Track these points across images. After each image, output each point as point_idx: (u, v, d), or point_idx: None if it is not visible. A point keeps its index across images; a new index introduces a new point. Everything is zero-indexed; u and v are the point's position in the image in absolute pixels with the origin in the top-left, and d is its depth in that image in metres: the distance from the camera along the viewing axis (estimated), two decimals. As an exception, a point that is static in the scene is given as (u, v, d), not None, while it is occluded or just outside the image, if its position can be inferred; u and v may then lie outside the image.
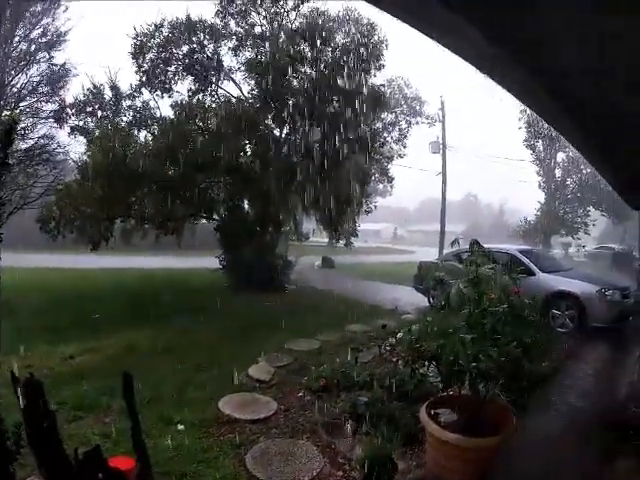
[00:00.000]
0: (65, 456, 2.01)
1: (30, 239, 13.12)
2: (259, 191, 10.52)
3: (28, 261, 13.26)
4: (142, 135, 12.01)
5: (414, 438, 3.37)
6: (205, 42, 12.40)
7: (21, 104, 13.41)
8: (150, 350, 5.86)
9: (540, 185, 24.89)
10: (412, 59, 30.08)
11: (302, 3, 12.21)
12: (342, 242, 14.00)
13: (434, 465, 3.01)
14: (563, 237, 26.14)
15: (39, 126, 13.34)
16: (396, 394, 4.01)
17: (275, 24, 12.61)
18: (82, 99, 12.25)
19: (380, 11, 1.89)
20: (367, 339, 6.57)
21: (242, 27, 12.74)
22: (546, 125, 16.26)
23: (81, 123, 12.37)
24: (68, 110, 12.55)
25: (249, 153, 11.51)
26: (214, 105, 11.66)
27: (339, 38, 11.91)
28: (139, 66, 12.10)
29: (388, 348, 5.85)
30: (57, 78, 13.90)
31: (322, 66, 10.94)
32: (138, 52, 11.97)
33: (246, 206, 12.04)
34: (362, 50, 11.06)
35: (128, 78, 12.48)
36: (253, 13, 12.76)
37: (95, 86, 12.23)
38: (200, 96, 12.46)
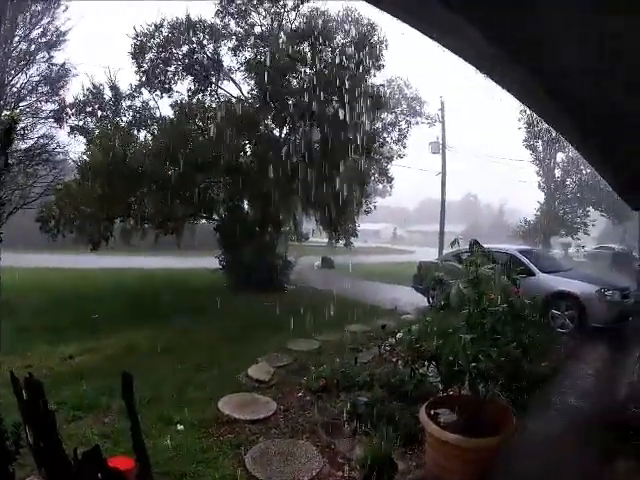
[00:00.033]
0: (64, 456, 2.01)
1: (30, 239, 13.11)
2: (259, 191, 10.52)
3: (28, 261, 13.26)
4: (142, 135, 12.03)
5: (414, 438, 3.37)
6: (205, 42, 12.39)
7: (21, 104, 13.41)
8: (150, 350, 5.85)
9: (540, 185, 24.93)
10: (412, 59, 30.09)
11: (302, 3, 12.21)
12: (342, 242, 13.99)
13: (434, 465, 3.01)
14: (563, 237, 26.14)
15: (39, 126, 13.35)
16: (396, 394, 4.01)
17: (275, 24, 12.61)
18: (82, 99, 12.25)
19: (380, 11, 1.89)
20: (367, 339, 6.57)
21: (242, 27, 12.73)
22: (546, 125, 16.27)
23: (81, 123, 12.37)
24: (68, 110, 12.55)
25: (249, 153, 11.51)
26: (214, 105, 11.66)
27: (339, 38, 11.92)
28: (139, 66, 12.09)
29: (388, 348, 5.84)
30: (57, 78, 13.89)
31: (322, 66, 10.93)
32: (138, 52, 11.96)
33: (246, 206, 12.04)
34: (362, 50, 11.06)
35: (128, 78, 12.51)
36: (253, 13, 12.76)
37: (95, 86, 12.23)
38: (200, 96, 12.46)
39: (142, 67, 12.11)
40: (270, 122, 11.62)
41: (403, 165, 21.89)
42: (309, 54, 11.04)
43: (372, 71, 11.87)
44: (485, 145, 70.55)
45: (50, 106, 13.69)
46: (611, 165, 5.12)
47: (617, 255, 21.00)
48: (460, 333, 2.99)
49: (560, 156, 24.62)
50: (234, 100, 12.15)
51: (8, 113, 9.57)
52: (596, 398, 4.68)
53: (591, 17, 1.83)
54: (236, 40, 12.63)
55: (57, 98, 13.72)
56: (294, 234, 13.94)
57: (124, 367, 2.42)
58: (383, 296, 10.82)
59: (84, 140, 12.10)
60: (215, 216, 12.03)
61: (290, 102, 10.85)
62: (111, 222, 10.38)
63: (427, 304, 9.22)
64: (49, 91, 13.86)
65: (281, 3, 12.35)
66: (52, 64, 13.88)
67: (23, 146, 12.21)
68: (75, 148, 13.96)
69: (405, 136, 20.97)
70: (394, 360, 5.29)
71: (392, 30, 13.67)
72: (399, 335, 5.61)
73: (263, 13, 12.74)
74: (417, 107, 22.42)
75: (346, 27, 12.63)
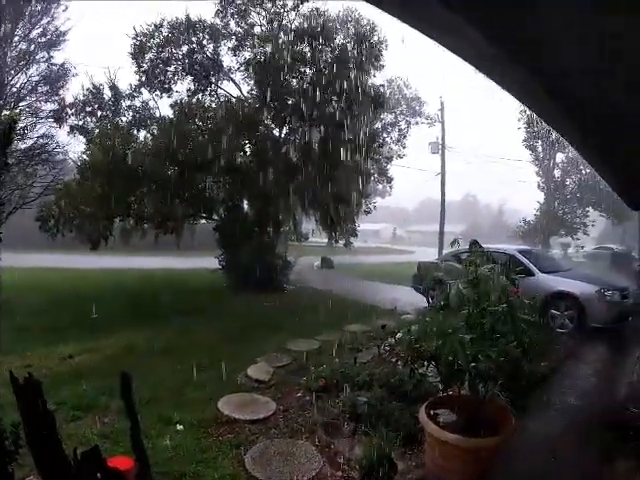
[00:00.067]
0: (64, 456, 2.01)
1: (30, 239, 13.11)
2: (258, 191, 10.52)
3: (27, 261, 13.28)
4: (142, 135, 12.04)
5: (413, 438, 3.37)
6: (205, 42, 12.40)
7: (20, 104, 13.40)
8: (149, 350, 5.86)
9: (539, 185, 24.91)
10: (412, 59, 30.10)
11: (302, 3, 12.21)
12: (341, 242, 14.00)
13: (433, 465, 3.01)
14: (562, 237, 26.14)
15: (38, 126, 13.34)
16: (395, 394, 4.01)
17: (275, 24, 12.61)
18: (82, 99, 12.27)
19: (380, 11, 1.89)
20: (366, 339, 6.55)
21: (242, 27, 12.73)
22: (546, 125, 16.27)
23: (80, 123, 12.38)
24: (67, 110, 12.56)
25: (248, 153, 11.51)
26: (214, 105, 11.67)
27: (339, 38, 11.92)
28: (139, 66, 12.11)
29: (387, 348, 5.84)
30: (56, 78, 13.89)
31: (322, 66, 10.94)
32: (137, 52, 11.98)
33: (245, 206, 12.04)
34: (362, 50, 11.07)
35: (128, 78, 12.52)
36: (253, 13, 12.76)
37: (95, 86, 12.25)
38: (199, 96, 12.48)
39: (142, 67, 12.12)
40: (270, 122, 11.63)
41: (403, 165, 22.03)
42: (309, 54, 11.05)
43: (372, 71, 11.88)
44: (484, 145, 70.57)
45: (50, 106, 13.71)
46: (611, 165, 5.12)
47: (616, 255, 21.00)
48: (460, 333, 2.98)
49: (560, 156, 24.63)
50: (234, 100, 12.16)
51: (8, 113, 9.57)
52: (596, 398, 4.68)
53: (591, 17, 1.83)
54: (236, 40, 12.64)
55: (57, 98, 13.73)
56: (294, 234, 13.94)
57: (123, 367, 2.43)
58: (383, 296, 10.81)
59: (84, 140, 12.13)
60: (215, 216, 12.03)
61: (290, 102, 10.85)
62: (110, 221, 10.38)
63: (427, 304, 9.22)
64: (49, 91, 13.86)
65: (281, 3, 12.35)
66: (52, 64, 13.89)
67: (23, 146, 12.23)
68: (75, 148, 13.99)
69: (405, 136, 21.07)
70: (394, 360, 5.30)
71: (392, 30, 13.71)
72: (399, 335, 5.62)
73: (263, 13, 12.74)
74: (417, 107, 22.45)
75: (346, 27, 12.63)
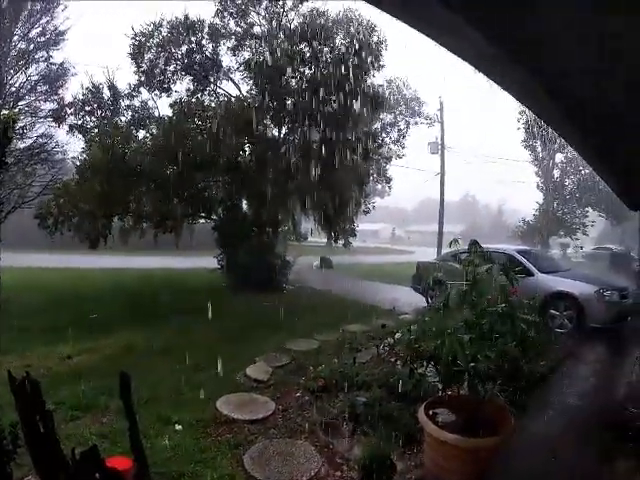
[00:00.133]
0: (62, 456, 2.01)
1: (29, 238, 13.12)
2: (257, 191, 10.51)
3: (27, 261, 13.25)
4: (141, 134, 12.02)
5: (412, 438, 3.37)
6: (204, 42, 12.41)
7: (20, 103, 13.42)
8: (148, 350, 5.85)
9: (538, 186, 24.91)
10: (411, 59, 30.12)
11: (301, 3, 12.20)
12: (340, 242, 14.00)
13: (433, 465, 3.01)
14: (561, 238, 26.16)
15: (37, 125, 13.37)
16: (394, 394, 4.00)
17: (274, 24, 12.60)
18: (81, 98, 12.26)
19: (380, 12, 1.89)
20: (366, 339, 6.55)
21: (241, 27, 12.73)
22: (545, 126, 16.29)
23: (80, 122, 12.36)
24: (67, 109, 12.55)
25: (247, 153, 11.50)
26: (213, 105, 11.66)
27: (339, 38, 11.91)
28: (138, 66, 12.10)
29: (387, 348, 5.84)
30: (56, 77, 13.90)
31: (321, 66, 10.93)
32: (137, 52, 11.98)
33: (244, 206, 12.04)
34: (361, 50, 11.05)
35: (127, 77, 12.53)
36: (252, 13, 12.76)
37: (94, 85, 12.24)
38: (199, 96, 12.47)
39: (141, 67, 12.13)
40: (269, 122, 11.62)
41: (402, 165, 21.95)
42: (308, 54, 11.04)
43: (371, 71, 11.87)
44: (484, 145, 70.75)
45: (49, 105, 13.74)
46: (610, 166, 5.12)
47: (615, 256, 21.01)
48: (459, 333, 2.98)
49: (559, 156, 24.65)
50: (233, 100, 12.15)
51: (7, 112, 9.55)
52: (595, 398, 4.68)
53: (591, 17, 1.83)
54: (235, 40, 12.64)
55: (56, 97, 13.79)
56: (293, 234, 13.93)
57: (122, 367, 2.42)
58: (382, 296, 10.81)
59: (83, 139, 12.11)
60: (213, 216, 12.03)
61: (289, 102, 10.84)
62: (109, 220, 10.38)
63: (426, 304, 9.22)
64: (48, 90, 13.89)
65: (280, 3, 12.35)
66: (51, 63, 13.94)
67: (22, 145, 12.22)
68: (74, 147, 13.93)
69: (404, 136, 21.04)
70: (393, 360, 5.30)
71: (392, 30, 13.72)
72: (398, 335, 5.62)
73: (262, 13, 12.74)
74: (416, 107, 22.39)
75: (346, 27, 12.62)
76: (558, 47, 2.13)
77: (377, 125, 17.51)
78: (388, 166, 19.99)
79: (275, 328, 7.00)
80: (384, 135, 19.87)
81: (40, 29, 13.73)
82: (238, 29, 12.74)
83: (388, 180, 20.50)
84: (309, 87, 10.50)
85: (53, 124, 13.04)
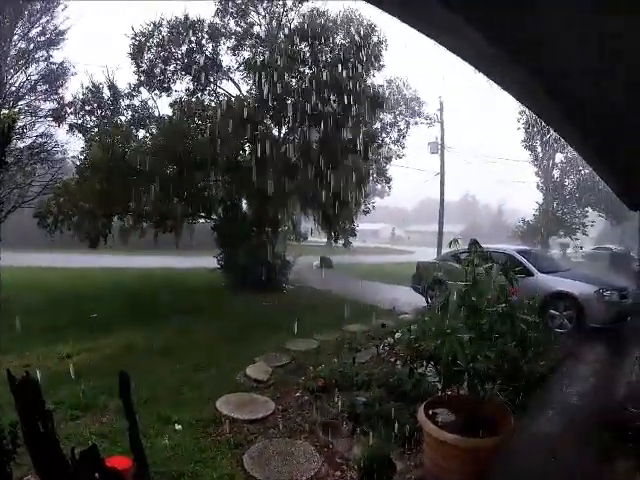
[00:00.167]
0: (62, 456, 2.01)
1: (29, 238, 13.11)
2: (257, 190, 10.50)
3: (27, 260, 13.25)
4: (141, 134, 12.02)
5: (412, 438, 3.37)
6: (204, 42, 12.39)
7: (20, 102, 13.41)
8: (148, 350, 5.84)
9: (538, 186, 24.91)
10: (411, 59, 30.12)
11: (301, 3, 12.20)
12: (340, 242, 13.99)
13: (432, 465, 3.01)
14: (561, 238, 26.15)
15: (37, 124, 13.36)
16: (394, 394, 4.01)
17: (274, 23, 12.60)
18: (81, 97, 12.26)
19: (380, 12, 1.89)
20: (365, 339, 6.55)
21: (241, 27, 12.73)
22: (545, 125, 16.27)
23: (79, 121, 12.36)
24: (67, 108, 12.55)
25: (247, 152, 11.49)
26: (213, 104, 11.65)
27: (339, 38, 11.91)
28: (138, 65, 12.09)
29: (386, 348, 5.84)
30: (55, 76, 13.90)
31: (321, 66, 10.93)
32: (137, 52, 11.97)
33: (244, 206, 12.03)
34: (361, 50, 11.05)
35: (127, 77, 12.53)
36: (252, 12, 12.75)
37: (94, 85, 12.24)
38: (199, 95, 12.47)
39: (141, 67, 12.12)
40: (269, 121, 11.62)
41: (402, 165, 21.98)
42: (308, 54, 11.04)
43: (371, 71, 11.87)
44: (484, 145, 70.77)
45: (49, 105, 13.74)
46: (610, 166, 5.12)
47: (615, 256, 21.00)
48: (459, 333, 2.98)
49: (559, 156, 24.65)
50: (233, 99, 12.15)
51: (7, 112, 9.55)
52: (594, 398, 4.68)
53: (591, 17, 1.83)
54: (235, 40, 12.63)
55: (56, 97, 13.78)
56: (293, 234, 13.92)
57: (122, 367, 2.42)
58: (382, 296, 10.80)
59: (83, 138, 12.10)
60: (213, 215, 12.02)
61: (289, 102, 10.83)
62: (109, 219, 10.37)
63: (425, 304, 9.22)
64: (48, 90, 13.90)
65: (280, 3, 12.34)
66: (51, 63, 13.94)
67: (22, 145, 12.19)
68: (74, 147, 13.93)
69: (404, 136, 21.07)
70: (392, 360, 5.30)
71: (392, 30, 13.71)
72: (397, 335, 5.62)
73: (262, 12, 12.74)
74: (416, 107, 22.41)
75: (346, 27, 12.62)
76: (558, 47, 2.13)
77: (377, 125, 17.51)
78: (388, 166, 20.04)
79: (275, 328, 6.99)
80: (384, 135, 19.90)
81: (40, 28, 13.77)
82: (238, 29, 12.74)
83: (388, 180, 20.53)
84: (309, 87, 10.49)
85: (53, 123, 13.06)
